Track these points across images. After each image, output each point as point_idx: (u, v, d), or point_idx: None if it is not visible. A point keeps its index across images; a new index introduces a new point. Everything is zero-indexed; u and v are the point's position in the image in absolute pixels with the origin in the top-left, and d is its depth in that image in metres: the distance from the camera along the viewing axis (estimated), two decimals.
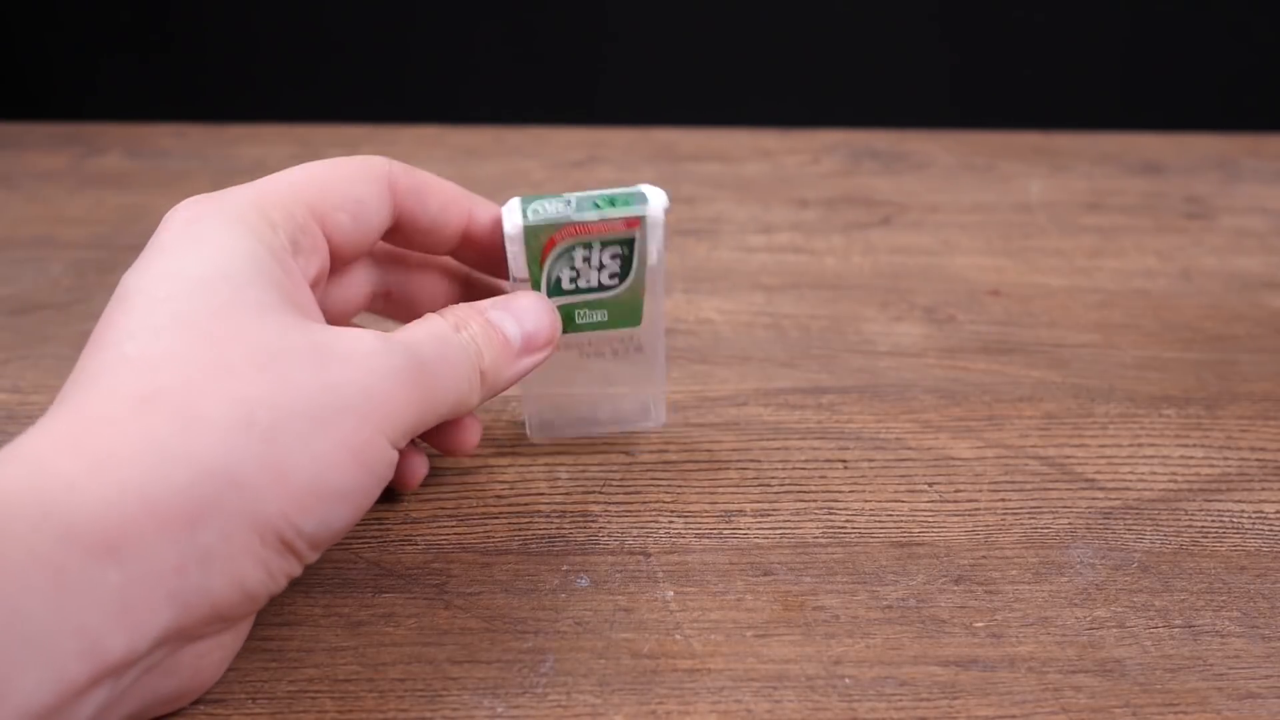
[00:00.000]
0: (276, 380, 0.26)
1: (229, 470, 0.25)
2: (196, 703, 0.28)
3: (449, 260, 0.37)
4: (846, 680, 0.29)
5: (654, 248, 0.35)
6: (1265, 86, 0.97)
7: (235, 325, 0.26)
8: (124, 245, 0.58)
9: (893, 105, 0.94)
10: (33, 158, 0.71)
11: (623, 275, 0.35)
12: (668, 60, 0.97)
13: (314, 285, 0.31)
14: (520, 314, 0.33)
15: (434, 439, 0.35)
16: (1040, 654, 0.30)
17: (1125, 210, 0.64)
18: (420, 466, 0.36)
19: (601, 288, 0.35)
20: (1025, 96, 0.97)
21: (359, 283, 0.35)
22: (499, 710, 0.28)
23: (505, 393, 0.38)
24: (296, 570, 0.27)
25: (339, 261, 0.33)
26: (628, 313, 0.36)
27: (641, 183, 0.37)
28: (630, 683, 0.29)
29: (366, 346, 0.28)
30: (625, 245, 0.35)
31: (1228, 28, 0.96)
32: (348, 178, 0.32)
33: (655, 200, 0.35)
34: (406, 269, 0.36)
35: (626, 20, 0.96)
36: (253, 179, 0.32)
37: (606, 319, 0.36)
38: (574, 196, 0.34)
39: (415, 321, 0.31)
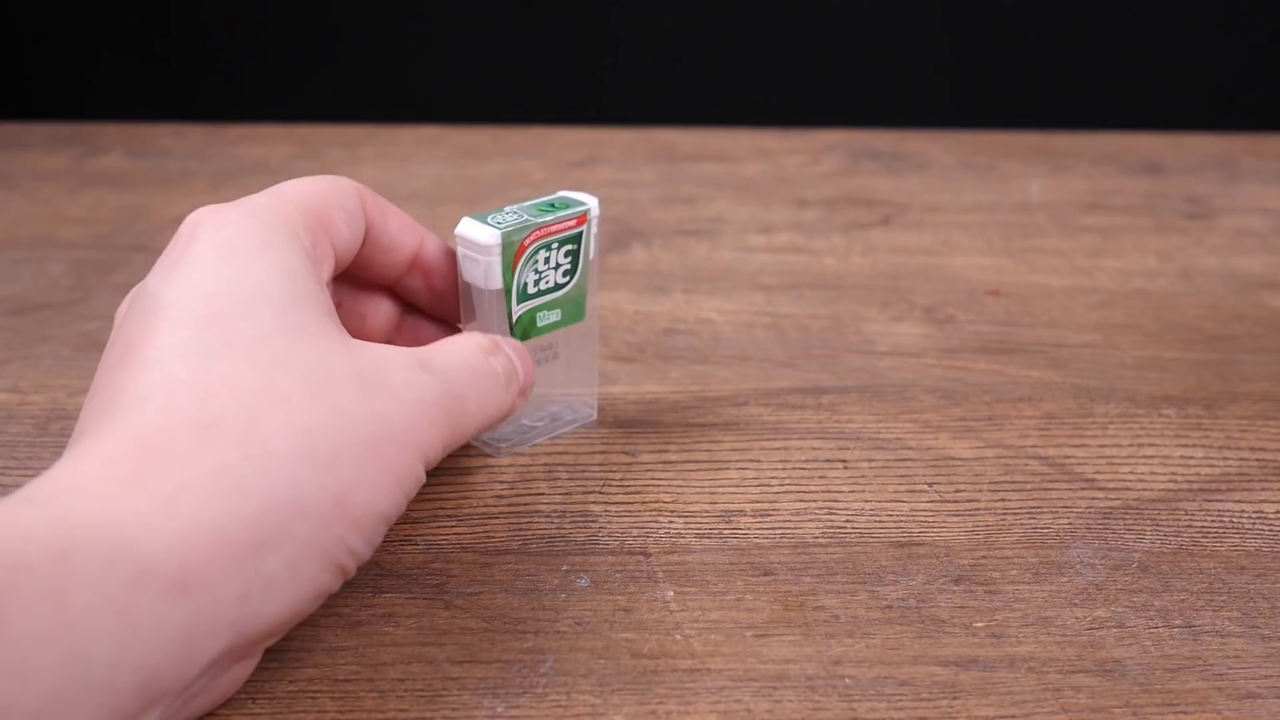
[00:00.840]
0: (329, 409, 0.27)
1: (297, 501, 0.25)
2: None
3: (391, 290, 0.38)
4: (846, 680, 0.29)
5: (592, 243, 0.38)
6: (1265, 86, 0.97)
7: (284, 351, 0.27)
8: (124, 245, 0.58)
9: (893, 105, 0.94)
10: (33, 158, 0.71)
11: (572, 273, 0.38)
12: (668, 60, 0.97)
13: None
14: (522, 356, 0.34)
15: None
16: (1040, 654, 0.30)
17: (1125, 210, 0.64)
18: None
19: (557, 287, 0.37)
20: (1025, 96, 0.97)
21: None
22: (499, 710, 0.28)
23: None
24: (337, 587, 0.28)
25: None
26: (575, 309, 0.38)
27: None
28: (630, 683, 0.29)
29: (402, 375, 0.29)
30: (575, 242, 0.37)
31: (1228, 28, 0.96)
32: (338, 191, 0.32)
33: (588, 199, 0.38)
34: (355, 288, 0.37)
35: (627, 20, 0.96)
36: (253, 179, 0.32)
37: (560, 318, 0.38)
38: (514, 208, 0.36)
39: (445, 343, 0.32)
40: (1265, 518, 0.36)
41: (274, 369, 0.27)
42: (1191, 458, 0.39)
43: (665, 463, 0.39)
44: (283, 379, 0.26)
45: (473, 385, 0.31)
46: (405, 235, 0.35)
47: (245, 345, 0.27)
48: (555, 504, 0.37)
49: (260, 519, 0.25)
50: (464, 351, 0.31)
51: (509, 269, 0.35)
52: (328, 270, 0.32)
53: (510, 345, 0.34)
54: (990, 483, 0.38)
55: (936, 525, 0.36)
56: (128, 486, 0.24)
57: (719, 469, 0.38)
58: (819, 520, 0.36)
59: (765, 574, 0.33)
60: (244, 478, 0.25)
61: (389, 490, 0.27)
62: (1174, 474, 0.39)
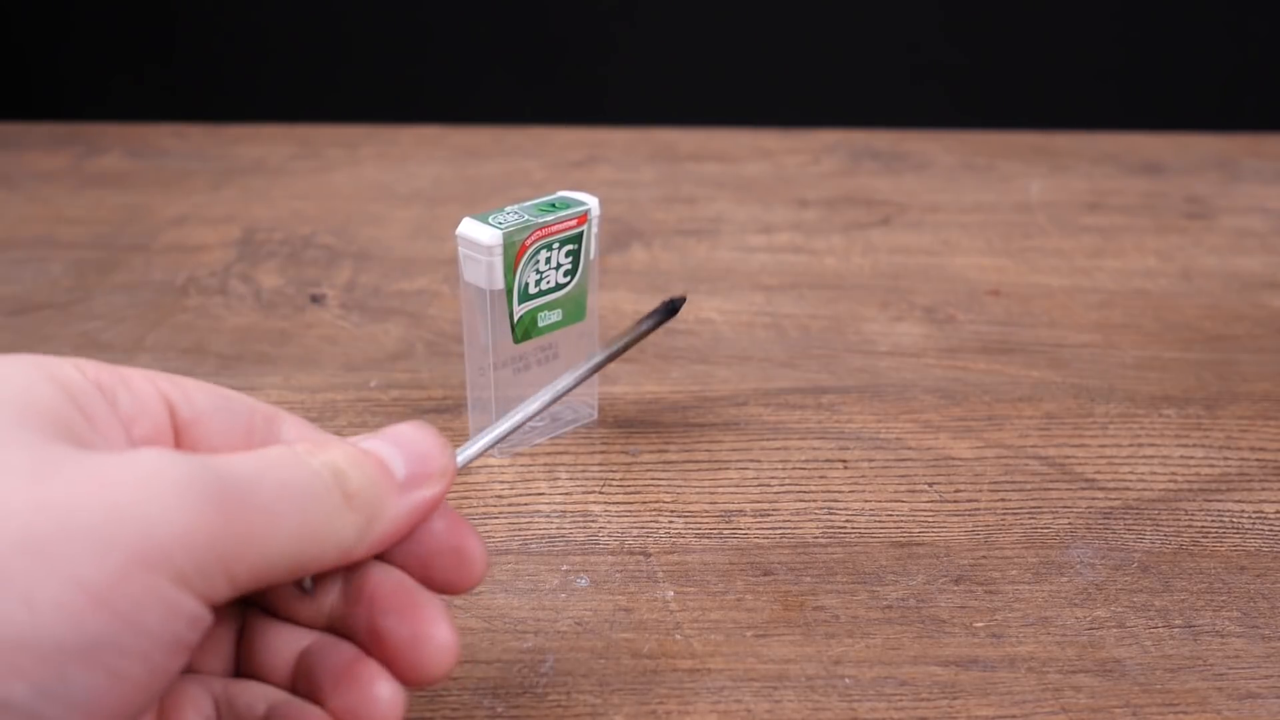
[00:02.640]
0: None
1: None
2: None
3: None
4: (846, 680, 0.29)
5: (593, 243, 0.38)
6: (1265, 86, 0.97)
7: None
8: (124, 245, 0.58)
9: (893, 105, 0.94)
10: (33, 158, 0.71)
11: (573, 273, 0.38)
12: (668, 60, 0.97)
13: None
14: (399, 440, 0.26)
15: (414, 575, 0.27)
16: (1040, 654, 0.30)
17: (1125, 210, 0.64)
18: (470, 547, 0.26)
19: (558, 287, 0.37)
20: (1025, 96, 0.97)
21: None
22: (499, 710, 0.28)
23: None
24: None
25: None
26: (576, 309, 0.39)
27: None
28: (630, 683, 0.29)
29: (140, 462, 0.21)
30: (576, 242, 0.37)
31: (1227, 28, 0.96)
32: (219, 387, 0.27)
33: (588, 199, 0.37)
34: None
35: (627, 21, 0.96)
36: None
37: (561, 318, 0.38)
38: (515, 208, 0.36)
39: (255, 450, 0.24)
40: (1265, 518, 0.36)
41: None
42: (1191, 458, 0.39)
43: (665, 463, 0.39)
44: None
45: (270, 475, 0.23)
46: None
47: None
48: (555, 504, 0.37)
49: None
50: (264, 449, 0.24)
51: (510, 269, 0.35)
52: (147, 421, 0.25)
53: (381, 434, 0.26)
54: (990, 483, 0.38)
55: (936, 525, 0.36)
56: None
57: (719, 469, 0.38)
58: (819, 520, 0.36)
59: (765, 574, 0.33)
60: None
61: (74, 610, 0.19)
62: (1174, 474, 0.39)
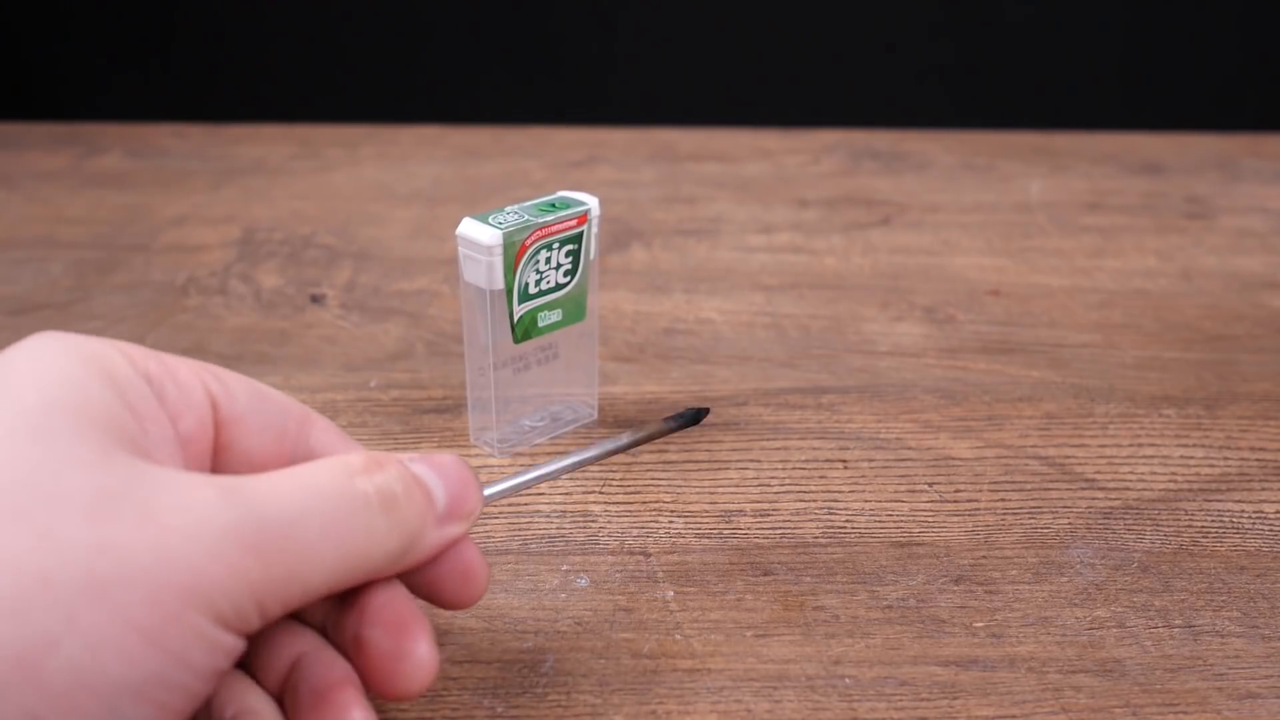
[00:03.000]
0: (35, 535, 0.20)
1: None
2: None
3: None
4: (846, 680, 0.29)
5: (593, 243, 0.38)
6: (1265, 86, 0.97)
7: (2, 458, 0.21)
8: (124, 245, 0.58)
9: (893, 105, 0.94)
10: (33, 158, 0.71)
11: (573, 273, 0.38)
12: (668, 60, 0.97)
13: (192, 451, 0.25)
14: (444, 472, 0.26)
15: (419, 591, 0.27)
16: (1040, 654, 0.30)
17: (1125, 210, 0.64)
18: (476, 566, 0.27)
19: (558, 287, 0.37)
20: (1025, 96, 0.97)
21: None
22: (499, 710, 0.28)
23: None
24: None
25: (247, 457, 0.27)
26: (576, 309, 0.39)
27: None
28: (630, 683, 0.29)
29: (183, 497, 0.22)
30: (576, 242, 0.37)
31: (1227, 28, 0.96)
32: (256, 382, 0.27)
33: (588, 199, 0.37)
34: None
35: (627, 21, 0.96)
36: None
37: (561, 318, 0.38)
38: (515, 208, 0.36)
39: (302, 465, 0.25)
40: (1265, 518, 0.36)
41: None
42: (1191, 458, 0.39)
43: (665, 463, 0.39)
44: None
45: (314, 511, 0.23)
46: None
47: None
48: (555, 504, 0.37)
49: None
50: (314, 472, 0.24)
51: (511, 269, 0.35)
52: (192, 416, 0.25)
53: (427, 460, 0.26)
54: (990, 483, 0.38)
55: (936, 525, 0.36)
56: None
57: (719, 469, 0.38)
58: (819, 520, 0.36)
59: (765, 574, 0.33)
60: None
61: (128, 650, 0.20)
62: (1174, 474, 0.39)
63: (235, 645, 0.22)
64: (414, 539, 0.25)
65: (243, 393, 0.26)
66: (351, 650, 0.25)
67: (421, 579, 0.27)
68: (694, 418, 0.37)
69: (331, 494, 0.24)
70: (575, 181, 0.66)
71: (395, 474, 0.25)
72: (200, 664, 0.21)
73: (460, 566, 0.27)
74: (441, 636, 0.31)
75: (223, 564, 0.21)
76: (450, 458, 0.27)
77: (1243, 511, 0.37)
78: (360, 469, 0.24)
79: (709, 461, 0.39)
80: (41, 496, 0.21)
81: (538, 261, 0.36)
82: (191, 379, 0.25)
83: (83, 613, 0.20)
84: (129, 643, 0.20)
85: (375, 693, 0.25)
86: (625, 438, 0.34)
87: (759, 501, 0.37)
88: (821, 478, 0.38)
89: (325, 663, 0.25)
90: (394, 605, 0.25)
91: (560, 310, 0.38)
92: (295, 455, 0.27)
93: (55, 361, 0.23)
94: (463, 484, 0.26)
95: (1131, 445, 0.40)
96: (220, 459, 0.26)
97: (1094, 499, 0.37)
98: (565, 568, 0.34)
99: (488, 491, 0.29)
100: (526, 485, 0.31)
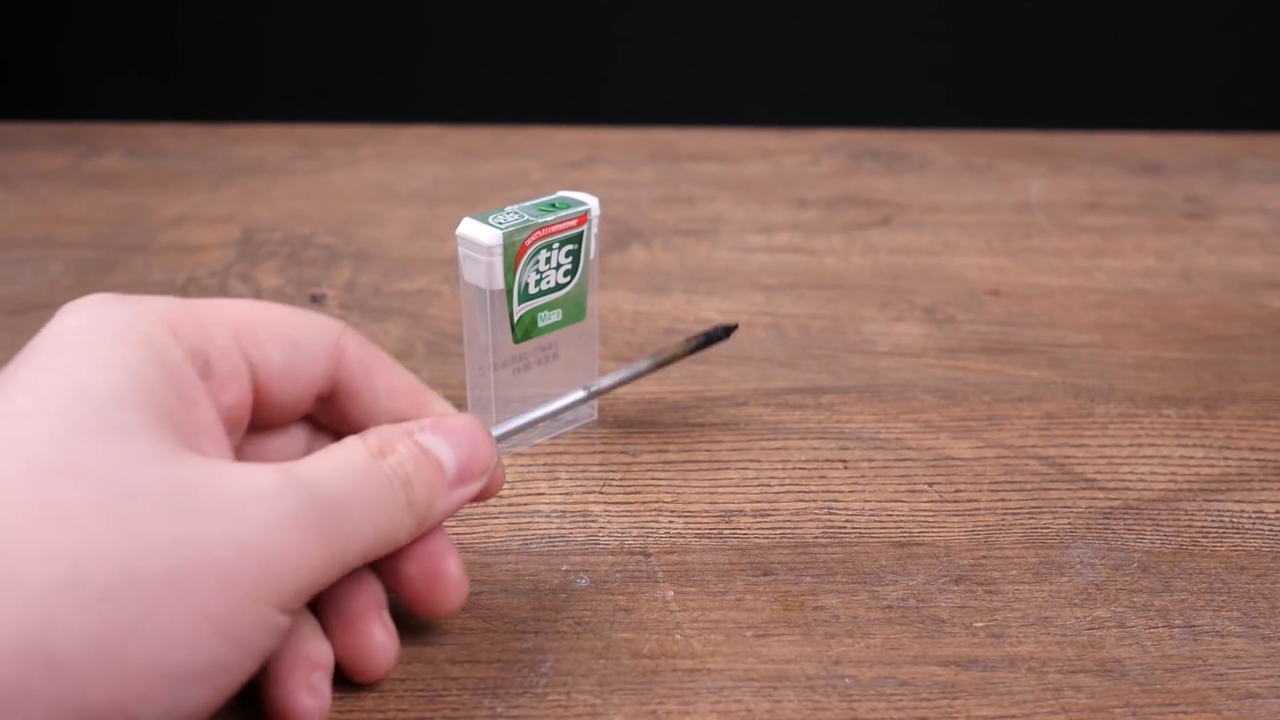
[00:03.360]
0: (119, 529, 0.21)
1: (45, 645, 0.20)
2: None
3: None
4: (846, 680, 0.29)
5: (593, 243, 0.38)
6: (1265, 86, 0.97)
7: (79, 454, 0.22)
8: (124, 245, 0.58)
9: (893, 105, 0.94)
10: (33, 158, 0.71)
11: (573, 273, 0.38)
12: (668, 60, 0.97)
13: (231, 419, 0.27)
14: (454, 437, 0.28)
15: (402, 597, 0.29)
16: (1040, 654, 0.30)
17: (1125, 210, 0.64)
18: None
19: (558, 287, 0.37)
20: (1025, 96, 0.97)
21: (296, 447, 0.30)
22: (499, 710, 0.28)
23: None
24: None
25: (271, 411, 0.28)
26: (576, 309, 0.39)
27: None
28: (630, 683, 0.29)
29: (252, 487, 0.23)
30: (576, 242, 0.37)
31: (1227, 28, 0.96)
32: (287, 319, 0.28)
33: (588, 199, 0.38)
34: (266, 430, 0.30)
35: (626, 20, 0.96)
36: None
37: (561, 318, 0.38)
38: (515, 208, 0.36)
39: (328, 448, 0.26)
40: (1265, 518, 0.36)
41: (59, 478, 0.21)
42: (1191, 458, 0.39)
43: (665, 463, 0.39)
44: (66, 489, 0.21)
45: (357, 493, 0.24)
46: (397, 401, 0.29)
47: (32, 447, 0.22)
48: (555, 504, 0.37)
49: None
50: (345, 451, 0.25)
51: (510, 269, 0.35)
52: (235, 387, 0.26)
53: (438, 428, 0.28)
54: (990, 483, 0.38)
55: (936, 525, 0.36)
56: None
57: (719, 469, 0.38)
58: (819, 520, 0.36)
59: (765, 574, 0.33)
60: None
61: (198, 638, 0.21)
62: (1174, 474, 0.39)
63: (288, 624, 0.23)
64: (428, 510, 0.27)
65: (277, 352, 0.27)
66: (389, 580, 0.28)
67: (396, 586, 0.28)
68: (722, 334, 0.38)
69: (367, 476, 0.25)
70: (575, 181, 0.66)
71: (407, 453, 0.26)
72: (260, 647, 0.23)
73: (433, 576, 0.28)
74: (441, 636, 0.31)
75: (293, 552, 0.23)
76: (462, 420, 0.28)
77: (1243, 511, 0.37)
78: (376, 451, 0.26)
79: (709, 461, 0.39)
80: (124, 491, 0.21)
81: (537, 261, 0.36)
82: (230, 345, 0.26)
83: (162, 603, 0.21)
84: (202, 632, 0.21)
85: (418, 614, 0.29)
86: (644, 363, 0.36)
87: (759, 501, 0.37)
88: (821, 478, 0.38)
89: (356, 586, 0.28)
90: (425, 541, 0.28)
91: (560, 310, 0.38)
92: (321, 395, 0.29)
93: (115, 347, 0.24)
94: (473, 446, 0.28)
95: (1131, 445, 0.40)
96: (254, 415, 0.28)
97: (1094, 499, 0.37)
98: (565, 568, 0.34)
99: (497, 432, 0.32)
100: (537, 421, 0.34)
